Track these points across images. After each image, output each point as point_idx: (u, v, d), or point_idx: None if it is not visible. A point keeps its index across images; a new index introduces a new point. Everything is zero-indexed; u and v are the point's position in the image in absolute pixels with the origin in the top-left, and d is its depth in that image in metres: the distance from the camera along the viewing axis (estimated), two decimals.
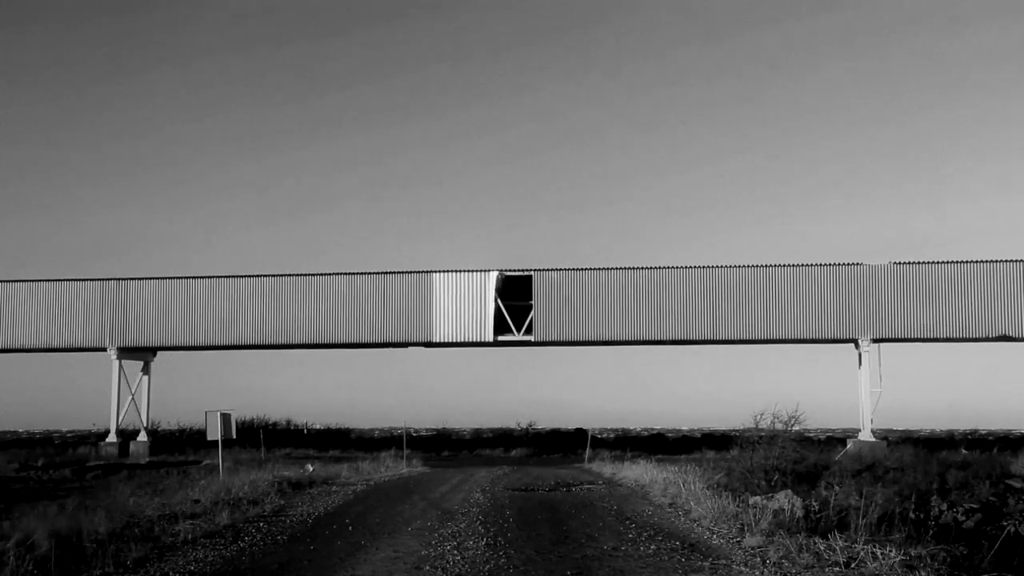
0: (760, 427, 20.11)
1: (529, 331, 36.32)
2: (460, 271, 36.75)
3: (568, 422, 54.75)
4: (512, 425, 54.94)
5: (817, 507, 13.57)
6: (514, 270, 36.75)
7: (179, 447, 41.23)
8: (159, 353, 39.90)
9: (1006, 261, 34.69)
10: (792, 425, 19.97)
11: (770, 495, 15.00)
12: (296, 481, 22.38)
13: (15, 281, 38.85)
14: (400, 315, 36.84)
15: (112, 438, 38.19)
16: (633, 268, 36.32)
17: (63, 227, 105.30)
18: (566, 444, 44.89)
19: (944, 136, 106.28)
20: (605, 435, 57.73)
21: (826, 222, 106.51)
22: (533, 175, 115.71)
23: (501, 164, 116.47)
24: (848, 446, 35.00)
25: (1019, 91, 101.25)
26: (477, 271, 36.63)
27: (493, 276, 36.42)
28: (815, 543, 11.27)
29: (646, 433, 63.84)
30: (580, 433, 45.01)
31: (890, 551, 10.39)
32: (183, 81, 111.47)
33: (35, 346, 38.84)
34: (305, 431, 50.38)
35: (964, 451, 34.11)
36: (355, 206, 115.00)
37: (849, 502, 13.20)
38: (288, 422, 51.49)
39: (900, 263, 35.19)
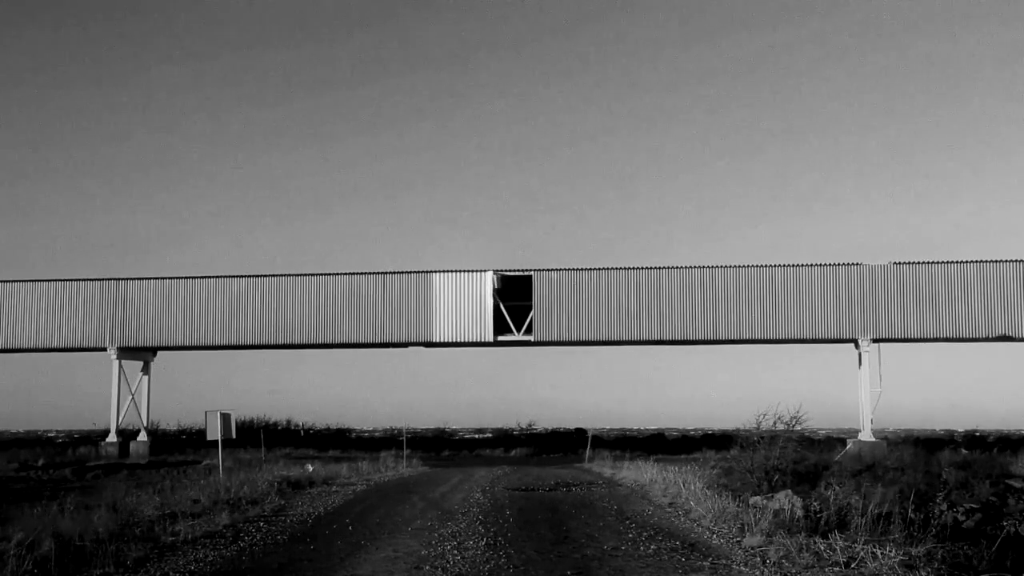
0: (761, 427, 20.10)
1: (529, 331, 36.32)
2: (460, 271, 36.75)
3: (568, 422, 54.78)
4: (512, 425, 55.02)
5: (817, 507, 13.57)
6: (514, 270, 36.76)
7: (179, 447, 41.23)
8: (159, 353, 39.89)
9: (1006, 261, 34.69)
10: (794, 425, 19.96)
11: (770, 495, 15.00)
12: (296, 481, 22.38)
13: (15, 281, 38.85)
14: (400, 315, 36.84)
15: (112, 438, 38.18)
16: (633, 268, 36.32)
17: (63, 227, 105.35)
18: (566, 444, 44.88)
19: (944, 136, 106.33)
20: (605, 435, 57.73)
21: (826, 222, 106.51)
22: (533, 175, 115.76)
23: (501, 164, 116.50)
24: (848, 446, 34.99)
25: (1019, 91, 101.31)
26: (477, 271, 36.64)
27: (493, 276, 36.42)
28: (815, 543, 11.27)
29: (646, 433, 63.84)
30: (580, 433, 45.01)
31: (890, 551, 10.39)
32: (183, 81, 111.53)
33: (35, 346, 38.83)
34: (301, 433, 50.37)
35: (964, 451, 34.12)
36: (355, 206, 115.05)
37: (849, 502, 13.20)
38: (288, 422, 51.54)
39: (900, 263, 35.19)
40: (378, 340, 37.34)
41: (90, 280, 38.62)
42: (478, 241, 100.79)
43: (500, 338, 36.55)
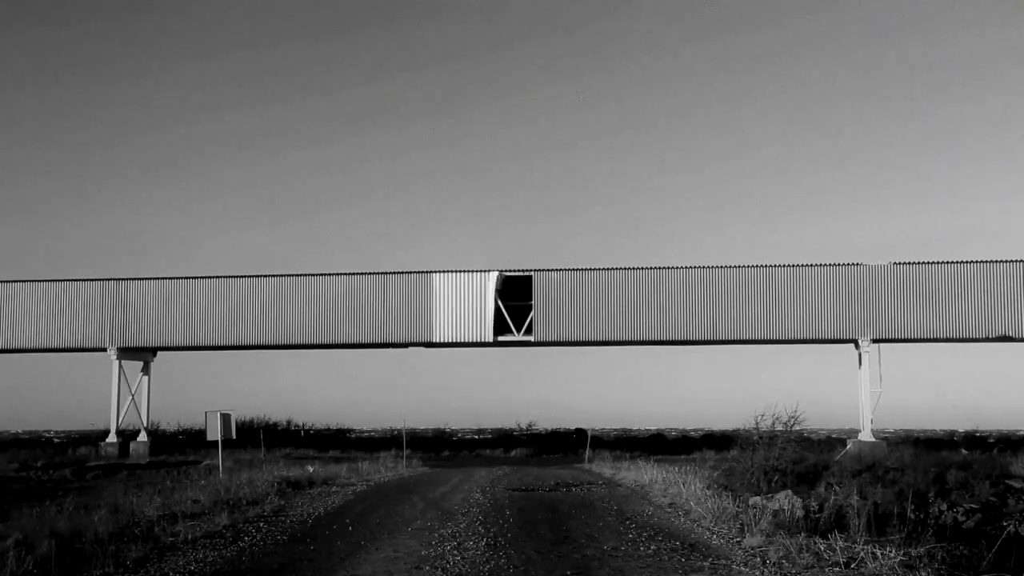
0: (760, 428, 20.11)
1: (529, 331, 36.30)
2: (460, 271, 36.74)
3: (568, 422, 54.78)
4: (512, 425, 54.99)
5: (817, 507, 13.57)
6: (514, 270, 36.74)
7: (179, 447, 41.23)
8: (159, 353, 39.89)
9: (1006, 261, 34.67)
10: (792, 426, 19.96)
11: (770, 495, 15.01)
12: (296, 481, 22.37)
13: (15, 281, 38.83)
14: (400, 315, 36.83)
15: (112, 438, 38.16)
16: (633, 268, 36.31)
17: (63, 227, 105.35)
18: (566, 444, 44.88)
19: (944, 136, 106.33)
20: (605, 435, 57.71)
21: (826, 222, 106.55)
22: (533, 175, 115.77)
23: (501, 164, 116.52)
24: (848, 446, 34.99)
25: (1019, 91, 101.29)
26: (477, 271, 36.62)
27: (493, 276, 36.41)
28: (815, 543, 11.27)
29: (646, 433, 63.84)
30: (580, 433, 44.99)
31: (890, 551, 10.39)
32: (183, 81, 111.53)
33: (35, 346, 38.82)
34: (301, 433, 50.38)
35: (964, 451, 34.12)
36: (355, 206, 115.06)
37: (849, 502, 13.20)
38: (288, 422, 51.51)
39: (900, 263, 35.18)
40: (378, 340, 37.33)
41: (90, 280, 38.61)
42: (478, 241, 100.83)
43: (500, 338, 36.54)
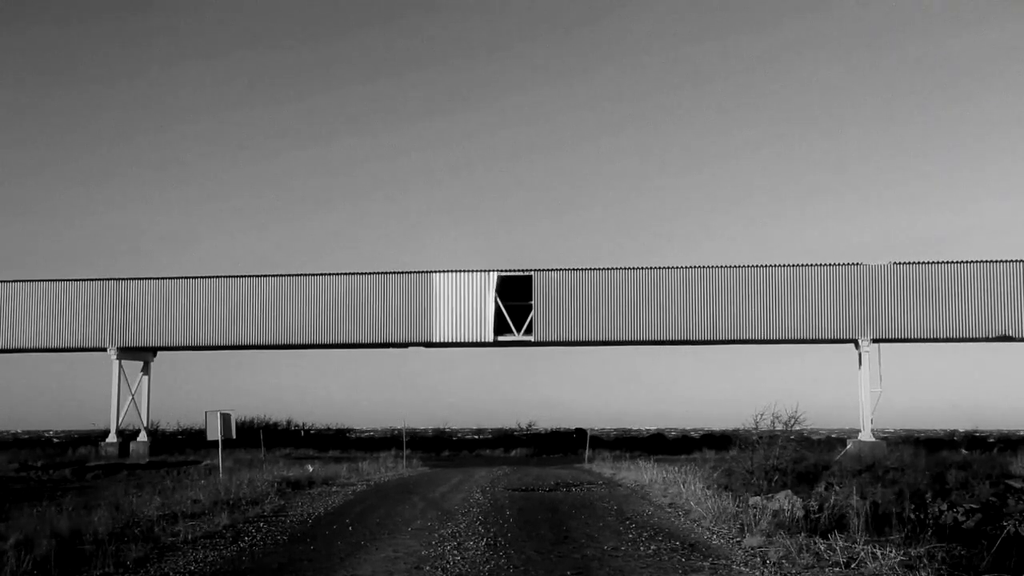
0: (760, 427, 20.10)
1: (529, 331, 36.30)
2: (460, 271, 36.73)
3: (568, 422, 54.82)
4: (512, 425, 55.00)
5: (817, 507, 13.57)
6: (514, 270, 36.73)
7: (179, 447, 41.22)
8: (159, 353, 39.88)
9: (1006, 261, 34.66)
10: (792, 425, 19.96)
11: (770, 495, 15.00)
12: (296, 481, 22.37)
13: (15, 281, 38.82)
14: (400, 315, 36.82)
15: (112, 438, 38.15)
16: (633, 268, 36.30)
17: (63, 227, 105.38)
18: (566, 444, 44.87)
19: (944, 136, 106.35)
20: (605, 435, 57.70)
21: (826, 222, 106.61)
22: (533, 175, 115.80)
23: (501, 164, 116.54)
24: (848, 446, 34.99)
25: (1019, 91, 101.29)
26: (477, 271, 36.61)
27: (493, 276, 36.41)
28: (815, 543, 11.26)
29: (646, 433, 63.82)
30: (580, 433, 44.98)
31: (890, 551, 10.39)
32: (183, 81, 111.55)
33: (35, 346, 38.81)
34: (302, 433, 50.35)
35: (964, 451, 34.13)
36: (355, 206, 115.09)
37: (849, 502, 13.20)
38: (288, 422, 51.53)
39: (900, 263, 35.17)
40: (378, 340, 37.32)
41: (90, 280, 38.60)
42: (478, 241, 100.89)
43: (500, 338, 36.53)
